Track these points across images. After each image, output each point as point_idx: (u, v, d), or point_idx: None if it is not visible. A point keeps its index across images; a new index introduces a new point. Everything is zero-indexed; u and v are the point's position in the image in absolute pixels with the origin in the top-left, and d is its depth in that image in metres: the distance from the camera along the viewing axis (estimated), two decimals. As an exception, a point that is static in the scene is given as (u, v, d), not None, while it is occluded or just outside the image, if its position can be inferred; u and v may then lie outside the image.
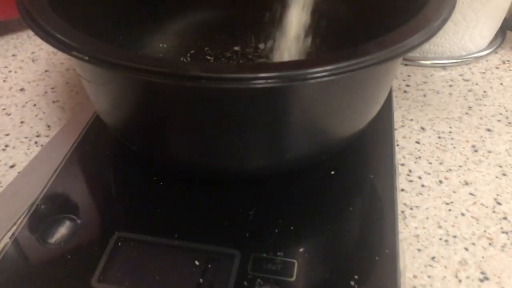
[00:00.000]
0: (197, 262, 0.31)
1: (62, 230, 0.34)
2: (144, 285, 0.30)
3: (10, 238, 0.34)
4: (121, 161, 0.39)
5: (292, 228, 0.33)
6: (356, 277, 0.30)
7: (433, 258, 0.34)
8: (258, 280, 0.30)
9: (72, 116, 0.46)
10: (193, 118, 0.29)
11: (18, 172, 0.41)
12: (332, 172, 0.37)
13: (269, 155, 0.32)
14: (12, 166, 0.42)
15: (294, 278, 0.30)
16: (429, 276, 0.33)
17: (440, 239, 0.35)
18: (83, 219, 0.34)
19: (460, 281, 0.33)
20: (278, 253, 0.32)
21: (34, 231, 0.33)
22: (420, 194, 0.39)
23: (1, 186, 0.40)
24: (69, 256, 0.32)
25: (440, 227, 0.36)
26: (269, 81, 0.23)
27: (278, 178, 0.36)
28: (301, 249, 0.32)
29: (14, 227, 0.35)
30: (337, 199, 0.35)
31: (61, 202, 0.35)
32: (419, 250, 0.35)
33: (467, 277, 0.33)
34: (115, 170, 0.39)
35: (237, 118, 0.28)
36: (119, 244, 0.33)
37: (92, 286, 0.30)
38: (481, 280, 0.33)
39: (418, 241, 0.35)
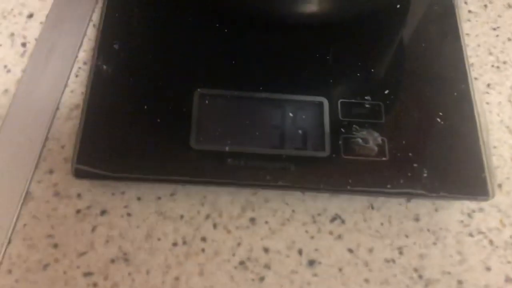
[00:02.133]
0: (290, 114, 0.32)
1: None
2: (240, 139, 0.30)
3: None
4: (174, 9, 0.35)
5: (373, 70, 0.34)
6: (441, 113, 0.32)
7: (488, 85, 0.37)
8: (354, 126, 0.31)
9: None
10: None
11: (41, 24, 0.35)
12: (398, 6, 0.36)
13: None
14: (30, 16, 0.36)
15: (383, 120, 0.32)
16: (487, 103, 0.36)
17: (492, 66, 0.38)
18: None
19: (513, 105, 0.36)
20: (366, 98, 0.32)
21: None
22: (468, 20, 0.40)
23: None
24: (158, 120, 0.31)
25: (490, 54, 0.38)
26: None
27: (349, 20, 0.34)
28: (386, 91, 0.33)
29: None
30: (409, 37, 0.35)
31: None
32: (476, 78, 0.37)
33: (519, 101, 0.36)
34: (174, 21, 0.34)
35: None
36: (206, 101, 0.31)
37: (192, 147, 0.30)
38: (530, 102, 0.36)
39: (474, 70, 0.37)
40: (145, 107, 0.31)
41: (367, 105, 0.32)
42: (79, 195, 0.31)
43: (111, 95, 0.31)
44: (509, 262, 0.31)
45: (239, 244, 0.30)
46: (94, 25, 0.36)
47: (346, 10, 0.33)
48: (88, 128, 0.30)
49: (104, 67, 0.32)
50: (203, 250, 0.30)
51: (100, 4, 0.36)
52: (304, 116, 0.32)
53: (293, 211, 0.31)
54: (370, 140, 0.31)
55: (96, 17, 0.36)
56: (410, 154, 0.31)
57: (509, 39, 0.39)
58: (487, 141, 0.33)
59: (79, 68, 0.34)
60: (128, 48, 0.33)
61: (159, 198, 0.31)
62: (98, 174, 0.29)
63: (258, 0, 0.31)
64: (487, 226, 0.32)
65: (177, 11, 0.34)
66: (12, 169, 0.30)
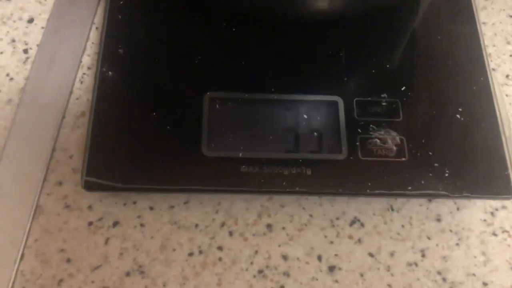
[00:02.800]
0: (304, 115, 0.30)
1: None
2: (253, 144, 0.29)
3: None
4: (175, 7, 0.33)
5: (388, 66, 0.32)
6: (460, 109, 0.31)
7: (507, 76, 0.36)
8: (371, 125, 0.30)
9: None
10: None
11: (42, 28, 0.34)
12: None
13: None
14: (30, 21, 0.35)
15: (401, 118, 0.31)
16: (507, 95, 0.35)
17: (510, 55, 0.36)
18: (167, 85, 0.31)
19: (533, 96, 0.35)
20: (382, 95, 0.31)
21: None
22: (485, 8, 0.38)
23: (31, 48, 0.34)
24: (168, 127, 0.29)
25: (508, 43, 0.37)
26: None
27: (360, 16, 0.33)
28: (403, 88, 0.32)
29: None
30: (423, 30, 0.34)
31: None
32: (493, 69, 0.36)
33: (539, 91, 0.35)
34: (175, 22, 0.33)
35: None
36: (216, 105, 0.30)
37: (204, 154, 0.29)
38: (551, 93, 0.35)
39: (491, 60, 0.36)
40: (154, 113, 0.30)
41: (383, 103, 0.31)
42: (90, 207, 0.30)
43: (118, 102, 0.30)
44: (535, 261, 0.30)
45: (256, 252, 0.29)
46: (97, 28, 0.35)
47: (357, 6, 0.32)
48: (95, 138, 0.29)
49: (110, 73, 0.31)
50: (220, 259, 0.29)
51: (102, 6, 0.35)
52: (318, 117, 0.31)
53: (310, 215, 0.30)
54: (389, 139, 0.30)
55: (98, 20, 0.35)
56: (430, 153, 0.30)
57: (527, 27, 0.37)
58: (509, 136, 0.32)
59: (84, 74, 0.33)
60: (134, 52, 0.31)
61: (172, 207, 0.30)
62: (109, 185, 0.28)
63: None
64: (511, 224, 0.31)
65: (182, 12, 0.33)
66: (20, 182, 0.29)
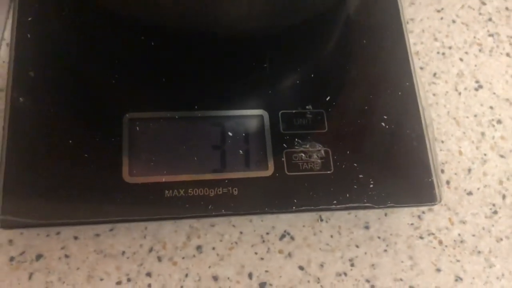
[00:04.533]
0: (229, 133, 0.30)
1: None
2: (177, 167, 0.29)
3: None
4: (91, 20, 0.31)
5: (312, 76, 0.32)
6: (385, 117, 0.31)
7: (434, 74, 0.36)
8: (296, 139, 0.30)
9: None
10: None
11: None
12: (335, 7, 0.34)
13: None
14: None
15: (326, 129, 0.31)
16: (434, 94, 0.35)
17: (438, 52, 0.36)
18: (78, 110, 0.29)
19: (459, 93, 0.35)
20: (307, 107, 0.31)
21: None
22: (412, 4, 0.38)
23: None
24: (86, 155, 0.28)
25: (436, 39, 0.37)
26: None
27: (283, 27, 0.32)
28: (328, 98, 0.31)
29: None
30: (349, 36, 0.33)
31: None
32: (421, 68, 0.36)
33: (465, 89, 0.36)
34: (87, 34, 0.31)
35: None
36: (136, 127, 0.29)
37: (126, 181, 0.28)
38: (476, 89, 0.36)
39: (419, 59, 0.36)
40: (70, 141, 0.28)
41: (308, 115, 0.31)
42: (10, 241, 0.29)
43: (32, 131, 0.28)
44: (458, 261, 0.31)
45: (186, 276, 0.29)
46: (7, 44, 0.33)
47: (280, 17, 0.31)
48: (9, 172, 0.27)
49: (21, 99, 0.29)
50: (149, 285, 0.28)
51: (10, 21, 0.33)
52: (244, 133, 0.30)
53: (240, 232, 0.30)
54: (314, 153, 0.30)
55: (8, 34, 0.33)
56: (355, 164, 0.30)
57: (453, 21, 0.37)
58: (433, 140, 0.32)
59: (-5, 97, 0.31)
60: (46, 74, 0.30)
61: (98, 235, 0.29)
62: (27, 222, 0.27)
63: (182, 12, 0.28)
64: (437, 226, 0.32)
65: (97, 27, 0.31)
66: None
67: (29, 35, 0.30)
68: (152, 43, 0.31)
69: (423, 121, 0.31)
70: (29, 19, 0.31)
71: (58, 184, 0.28)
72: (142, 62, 0.31)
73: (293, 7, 0.29)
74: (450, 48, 0.37)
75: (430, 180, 0.30)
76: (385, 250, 0.31)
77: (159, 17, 0.29)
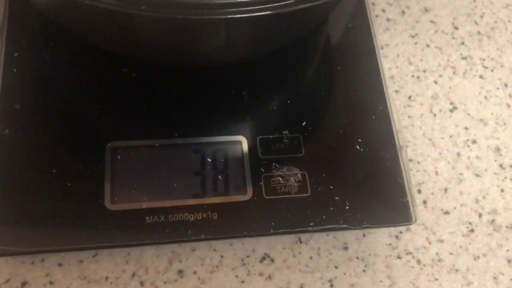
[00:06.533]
0: (208, 159, 0.31)
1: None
2: (158, 193, 0.30)
3: None
4: (73, 54, 0.33)
5: (289, 102, 0.33)
6: (359, 140, 0.32)
7: (409, 97, 0.37)
8: (274, 163, 0.31)
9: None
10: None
11: None
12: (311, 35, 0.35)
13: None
14: None
15: (303, 153, 0.32)
16: (409, 116, 0.36)
17: (413, 76, 0.38)
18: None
19: (435, 115, 0.36)
20: (284, 132, 0.32)
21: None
22: (387, 30, 0.39)
23: None
24: (69, 184, 0.29)
25: (410, 63, 0.38)
26: None
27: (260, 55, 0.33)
28: (304, 123, 0.32)
29: None
30: (324, 62, 0.35)
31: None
32: (396, 91, 0.37)
33: (440, 110, 0.37)
34: (70, 66, 0.33)
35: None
36: (118, 156, 0.30)
37: (108, 209, 0.29)
38: (451, 111, 0.37)
39: (394, 82, 0.37)
40: (54, 171, 0.29)
41: (285, 140, 0.32)
42: (-4, 269, 0.29)
43: (17, 161, 0.29)
44: (436, 279, 0.32)
45: (168, 300, 0.29)
46: (-4, 78, 0.34)
47: (257, 46, 0.32)
48: (-6, 201, 0.28)
49: (7, 131, 0.30)
50: (132, 310, 0.29)
51: (-2, 56, 0.34)
52: (223, 159, 0.31)
53: (221, 256, 0.31)
54: (291, 176, 0.31)
55: (-3, 69, 0.34)
56: (331, 187, 0.31)
57: (427, 45, 0.39)
58: (407, 161, 0.33)
59: (-17, 129, 0.32)
60: (31, 107, 0.31)
61: (81, 261, 0.30)
62: (10, 250, 0.28)
63: (162, 45, 0.29)
64: (415, 246, 0.32)
65: (80, 60, 0.33)
66: None
67: (15, 70, 0.32)
68: (134, 75, 0.32)
69: (397, 143, 0.32)
70: (16, 54, 0.32)
71: (42, 212, 0.28)
72: (124, 93, 0.32)
73: (268, 37, 0.30)
74: (424, 71, 0.38)
75: (405, 200, 0.31)
76: (364, 270, 0.31)
77: (140, 50, 0.30)
